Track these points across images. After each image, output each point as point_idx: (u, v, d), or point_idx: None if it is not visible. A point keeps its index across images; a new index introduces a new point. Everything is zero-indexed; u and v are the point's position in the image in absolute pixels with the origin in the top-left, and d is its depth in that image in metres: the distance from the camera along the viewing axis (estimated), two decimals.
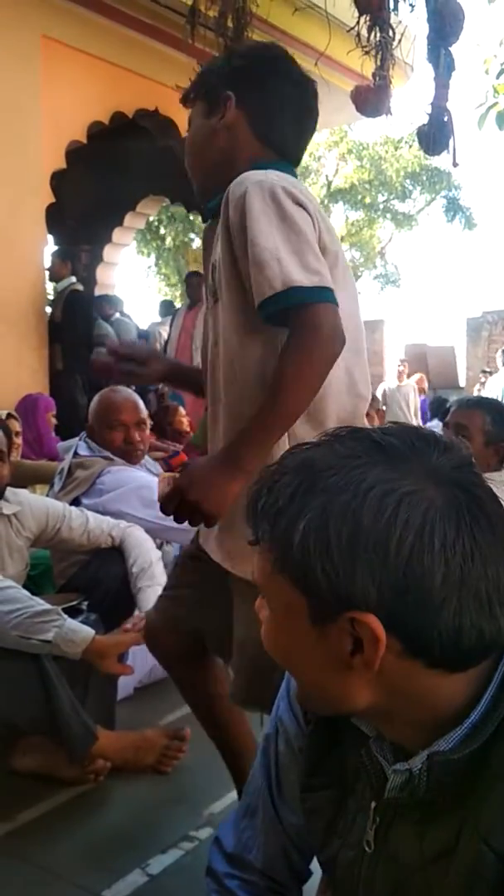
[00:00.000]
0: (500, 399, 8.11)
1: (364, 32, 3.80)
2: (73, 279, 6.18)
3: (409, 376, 9.64)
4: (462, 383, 13.08)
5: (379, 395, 8.86)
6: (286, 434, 1.27)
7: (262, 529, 0.72)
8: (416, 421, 8.99)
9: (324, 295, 1.19)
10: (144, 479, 2.71)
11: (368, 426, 0.80)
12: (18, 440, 3.79)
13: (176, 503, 1.27)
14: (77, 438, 2.90)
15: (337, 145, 18.57)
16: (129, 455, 2.76)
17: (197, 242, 15.91)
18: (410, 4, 3.83)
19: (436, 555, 0.64)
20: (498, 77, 5.01)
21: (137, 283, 33.15)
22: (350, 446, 0.71)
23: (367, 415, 1.59)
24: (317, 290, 1.18)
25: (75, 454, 2.76)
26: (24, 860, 1.72)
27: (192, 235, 15.69)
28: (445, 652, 0.67)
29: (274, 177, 1.27)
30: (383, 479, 0.66)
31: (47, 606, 1.93)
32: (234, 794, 1.79)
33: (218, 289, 1.35)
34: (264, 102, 1.43)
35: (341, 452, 0.70)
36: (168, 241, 16.38)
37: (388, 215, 19.50)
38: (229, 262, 1.29)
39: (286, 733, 0.94)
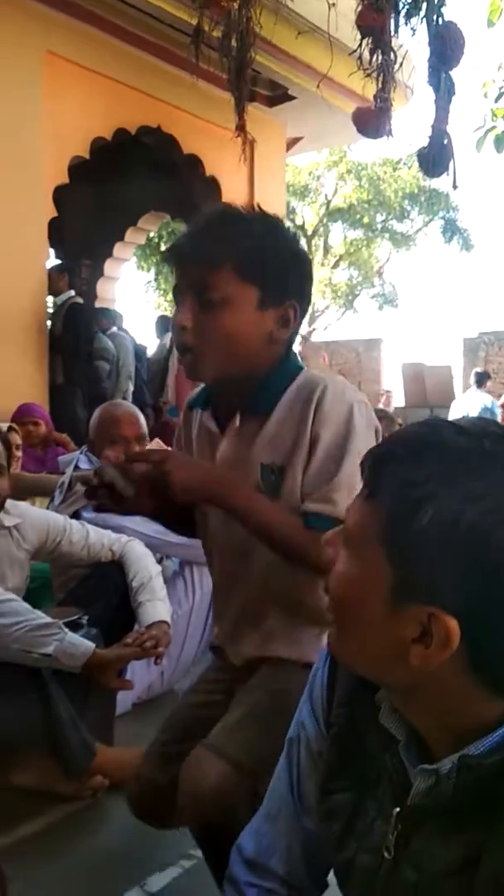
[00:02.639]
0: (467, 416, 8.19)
1: (366, 55, 3.82)
2: (73, 292, 6.18)
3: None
4: None
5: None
6: None
7: (387, 492, 0.70)
8: None
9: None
10: None
11: None
12: (19, 453, 3.79)
13: (154, 459, 1.28)
14: (78, 451, 2.90)
15: (336, 165, 18.73)
16: (130, 469, 2.76)
17: None
18: (412, 28, 3.84)
19: None
20: (496, 101, 5.07)
21: (137, 297, 33.15)
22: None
23: None
24: None
25: (76, 467, 2.76)
26: (20, 876, 1.70)
27: None
28: (501, 676, 0.68)
29: (364, 400, 1.33)
30: None
31: (48, 620, 1.93)
32: None
33: (274, 491, 1.30)
34: (305, 310, 1.38)
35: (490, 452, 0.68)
36: None
37: (387, 235, 19.68)
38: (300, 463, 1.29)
39: (307, 738, 0.93)
